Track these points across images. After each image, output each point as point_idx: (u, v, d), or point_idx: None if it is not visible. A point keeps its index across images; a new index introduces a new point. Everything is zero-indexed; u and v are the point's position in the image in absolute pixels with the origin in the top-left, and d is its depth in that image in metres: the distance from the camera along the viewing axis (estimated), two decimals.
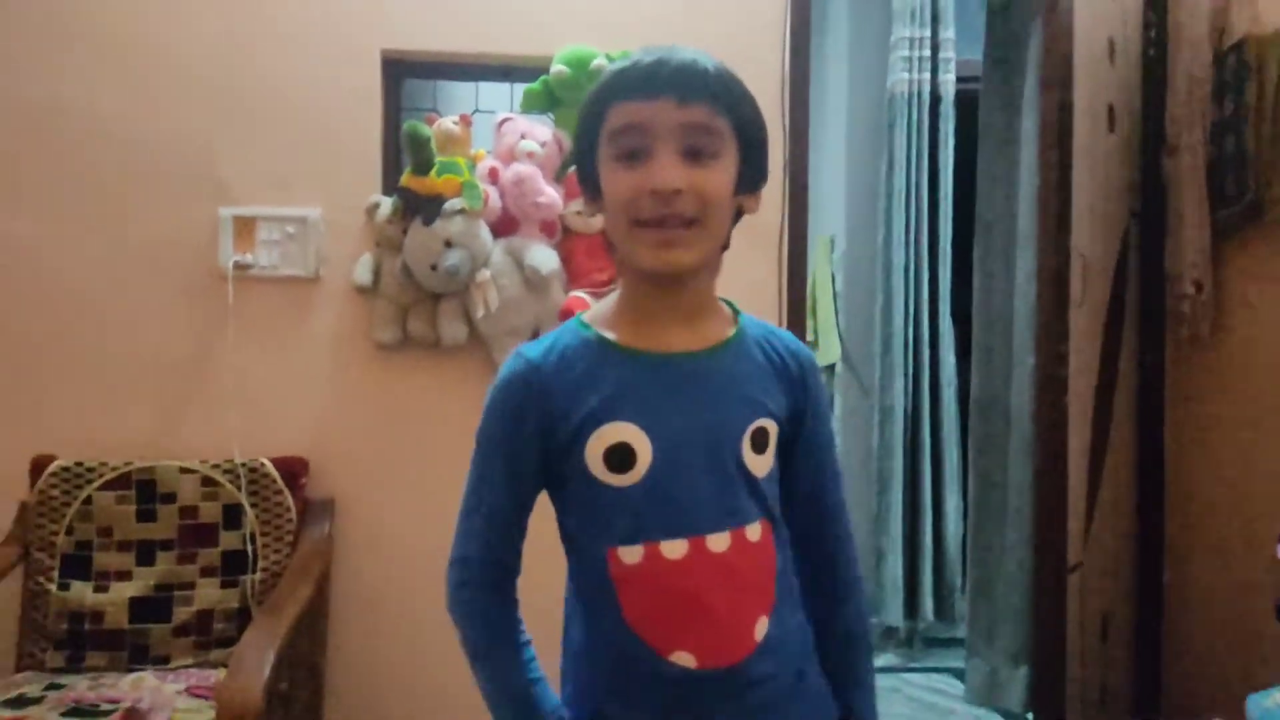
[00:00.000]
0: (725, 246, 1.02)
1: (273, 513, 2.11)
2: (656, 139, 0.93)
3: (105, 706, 1.74)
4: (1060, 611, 2.32)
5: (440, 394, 2.26)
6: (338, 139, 2.26)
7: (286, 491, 2.12)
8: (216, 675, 1.90)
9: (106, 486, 2.08)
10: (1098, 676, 2.34)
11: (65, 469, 2.08)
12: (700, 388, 0.99)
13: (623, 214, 0.95)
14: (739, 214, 1.02)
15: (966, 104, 3.37)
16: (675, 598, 0.95)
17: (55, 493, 2.07)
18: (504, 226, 2.24)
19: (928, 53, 3.44)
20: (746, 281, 2.26)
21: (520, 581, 1.02)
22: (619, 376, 0.98)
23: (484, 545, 1.00)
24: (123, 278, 2.22)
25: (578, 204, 2.23)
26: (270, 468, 2.13)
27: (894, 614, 3.44)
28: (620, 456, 0.95)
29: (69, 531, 2.06)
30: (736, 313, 1.07)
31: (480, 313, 2.18)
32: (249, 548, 2.08)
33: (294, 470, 2.14)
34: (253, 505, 2.10)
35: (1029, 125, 2.68)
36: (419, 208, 2.15)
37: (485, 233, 2.19)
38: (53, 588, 2.02)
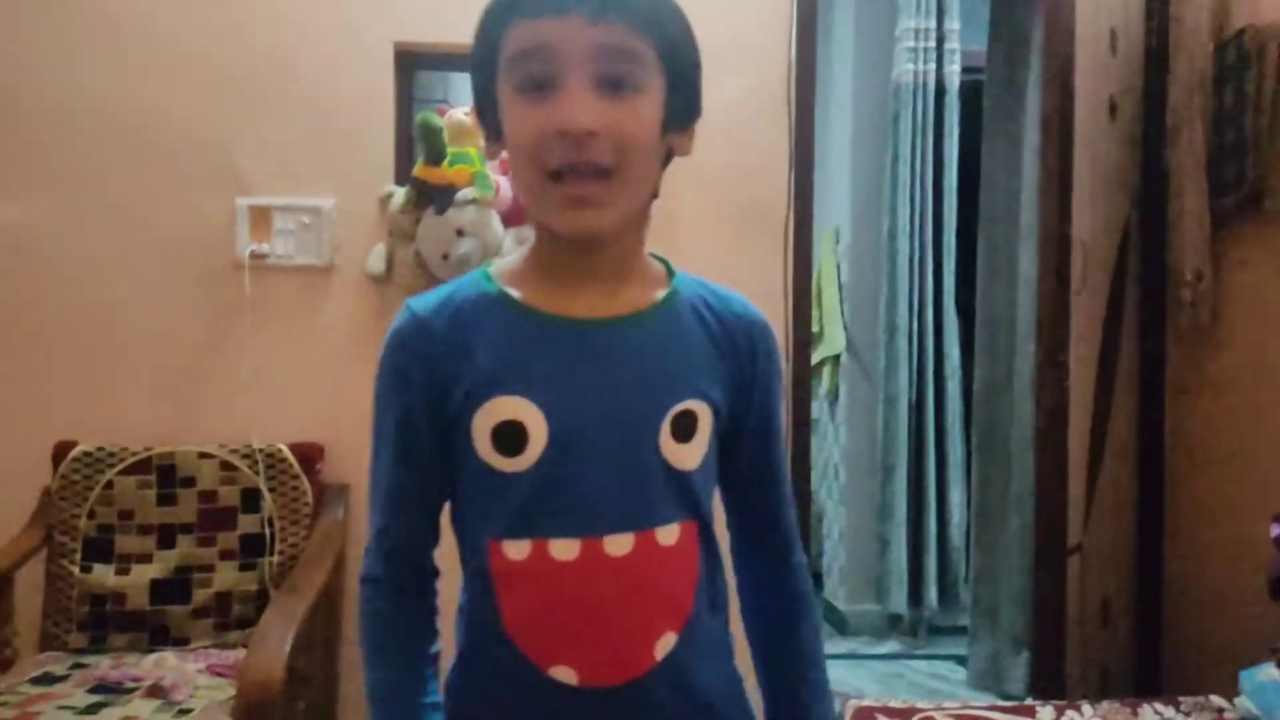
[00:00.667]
0: (654, 195, 0.87)
1: (290, 497, 2.16)
2: (565, 66, 0.77)
3: (129, 685, 1.79)
4: (1060, 595, 2.35)
5: None
6: (351, 130, 2.30)
7: (303, 476, 2.16)
8: (235, 655, 1.94)
9: (127, 471, 2.12)
10: (1098, 659, 2.38)
11: (87, 454, 2.13)
12: (613, 361, 0.84)
13: (528, 161, 0.80)
14: (669, 156, 0.87)
15: (970, 94, 3.39)
16: (562, 605, 0.82)
17: (77, 478, 2.11)
18: (515, 215, 2.27)
19: (933, 44, 3.46)
20: (752, 272, 2.31)
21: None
22: (517, 342, 0.83)
23: (383, 531, 0.89)
24: (142, 268, 2.27)
25: None
26: (287, 453, 2.17)
27: (898, 602, 3.48)
28: (510, 436, 0.81)
29: (91, 515, 2.10)
30: (671, 272, 0.91)
31: None
32: (267, 531, 2.12)
33: (310, 455, 2.19)
34: (270, 490, 2.14)
35: (1033, 116, 2.71)
36: (432, 198, 2.19)
37: (497, 222, 2.23)
38: (75, 570, 2.07)
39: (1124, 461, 2.40)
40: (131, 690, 1.77)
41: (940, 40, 3.47)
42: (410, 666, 0.85)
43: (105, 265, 2.25)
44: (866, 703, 1.70)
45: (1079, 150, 2.34)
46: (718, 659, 0.89)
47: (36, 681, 1.81)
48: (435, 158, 2.19)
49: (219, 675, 1.85)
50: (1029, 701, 1.75)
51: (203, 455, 2.15)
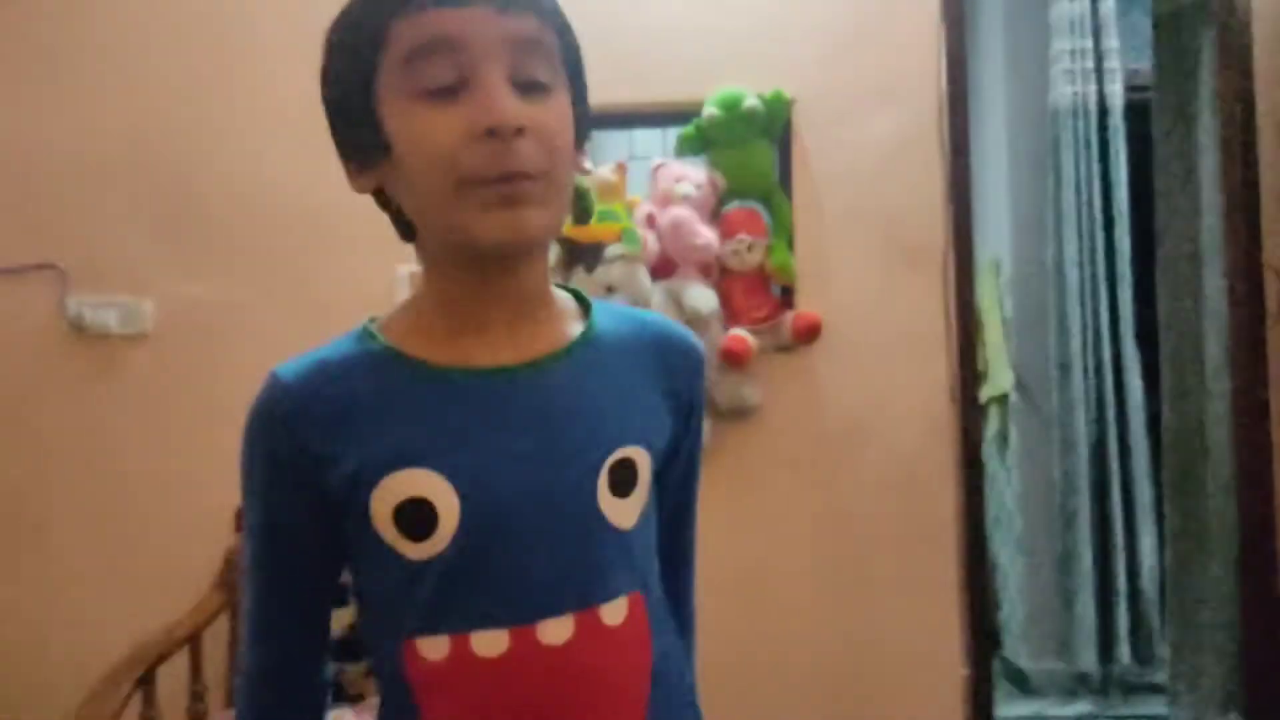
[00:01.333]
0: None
1: None
2: (477, 60, 0.66)
3: None
4: (1273, 650, 2.13)
5: None
6: None
7: None
8: None
9: None
10: None
11: None
12: (531, 414, 0.71)
13: (437, 172, 0.67)
14: None
15: (1136, 114, 3.22)
16: (493, 710, 0.68)
17: None
18: (662, 269, 2.27)
19: (1091, 64, 3.30)
20: (911, 314, 2.22)
21: None
22: (412, 404, 0.71)
23: (253, 660, 0.77)
24: (307, 334, 2.36)
25: (734, 243, 2.25)
26: None
27: (1087, 659, 3.23)
28: (416, 517, 0.69)
29: None
30: (586, 305, 0.79)
31: None
32: None
33: None
34: None
35: (1205, 135, 2.54)
36: (580, 256, 2.22)
37: (644, 276, 2.23)
38: None
39: None
40: None
41: (1099, 59, 3.31)
42: None
43: (273, 334, 2.38)
44: None
45: (1264, 170, 2.18)
46: None
47: None
48: (583, 217, 2.22)
49: None
50: None
51: None
